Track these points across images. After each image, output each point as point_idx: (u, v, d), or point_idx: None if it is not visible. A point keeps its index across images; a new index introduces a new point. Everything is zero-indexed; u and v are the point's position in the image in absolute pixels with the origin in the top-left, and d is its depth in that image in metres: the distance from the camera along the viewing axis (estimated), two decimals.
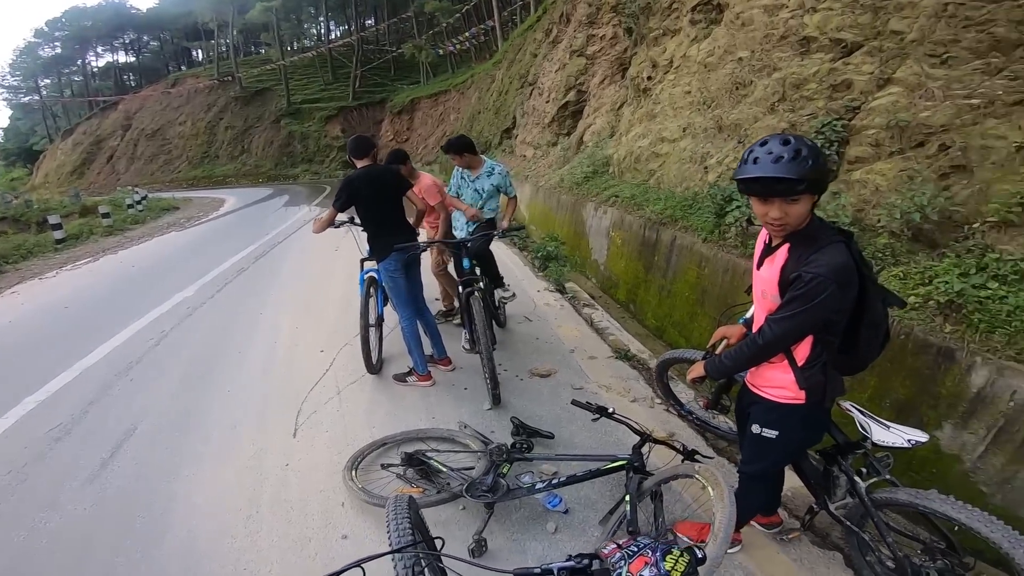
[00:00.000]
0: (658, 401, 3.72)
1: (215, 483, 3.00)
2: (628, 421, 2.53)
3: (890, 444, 1.87)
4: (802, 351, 1.80)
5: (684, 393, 3.54)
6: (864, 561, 2.15)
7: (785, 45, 4.49)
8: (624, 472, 2.40)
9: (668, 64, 6.78)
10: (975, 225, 2.71)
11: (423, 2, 40.39)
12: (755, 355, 1.82)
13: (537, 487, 2.50)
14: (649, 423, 3.38)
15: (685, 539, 2.36)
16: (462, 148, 4.31)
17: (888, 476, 1.96)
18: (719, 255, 4.12)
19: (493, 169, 4.35)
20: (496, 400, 3.62)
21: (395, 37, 50.47)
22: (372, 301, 4.18)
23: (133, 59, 68.45)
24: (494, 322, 4.83)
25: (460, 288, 3.94)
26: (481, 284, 3.93)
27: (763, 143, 1.60)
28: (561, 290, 6.40)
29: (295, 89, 46.75)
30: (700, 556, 1.16)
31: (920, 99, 3.23)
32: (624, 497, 2.27)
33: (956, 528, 1.77)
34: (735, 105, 4.92)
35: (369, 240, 3.90)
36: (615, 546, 1.21)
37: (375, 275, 4.11)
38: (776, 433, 1.92)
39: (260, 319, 5.78)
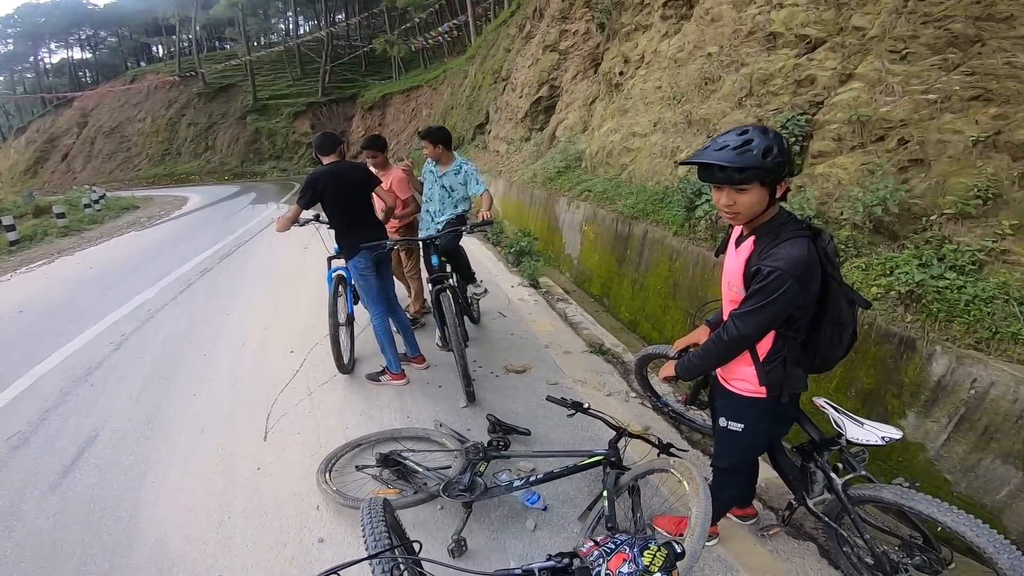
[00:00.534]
0: (633, 395, 3.75)
1: (184, 489, 2.91)
2: (603, 416, 2.53)
3: (864, 442, 1.87)
4: (764, 346, 1.81)
5: (662, 387, 3.57)
6: (841, 552, 2.17)
7: (753, 41, 4.57)
8: (601, 467, 2.41)
9: (639, 59, 6.84)
10: (933, 217, 2.80)
11: None
12: (722, 352, 1.83)
13: (515, 485, 2.48)
14: (624, 417, 3.42)
15: (664, 533, 2.38)
16: (440, 139, 4.23)
17: (864, 472, 1.98)
18: (689, 248, 4.17)
19: (461, 167, 4.29)
20: (470, 397, 3.60)
21: (366, 32, 49.72)
22: (342, 300, 4.09)
23: (89, 55, 65.83)
24: (468, 319, 4.80)
25: (430, 286, 3.89)
26: (452, 281, 3.88)
27: (724, 133, 1.65)
28: (535, 285, 6.41)
29: (262, 85, 45.64)
30: (679, 551, 1.16)
31: (880, 94, 3.32)
32: (602, 493, 2.28)
33: (940, 528, 1.77)
34: (704, 100, 4.98)
35: (338, 238, 3.81)
36: (593, 544, 1.20)
37: (343, 273, 4.03)
38: (741, 426, 1.95)
39: (226, 320, 5.62)
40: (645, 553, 1.12)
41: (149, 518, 2.70)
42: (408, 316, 4.96)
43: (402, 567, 1.37)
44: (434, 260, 3.90)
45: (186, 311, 6.01)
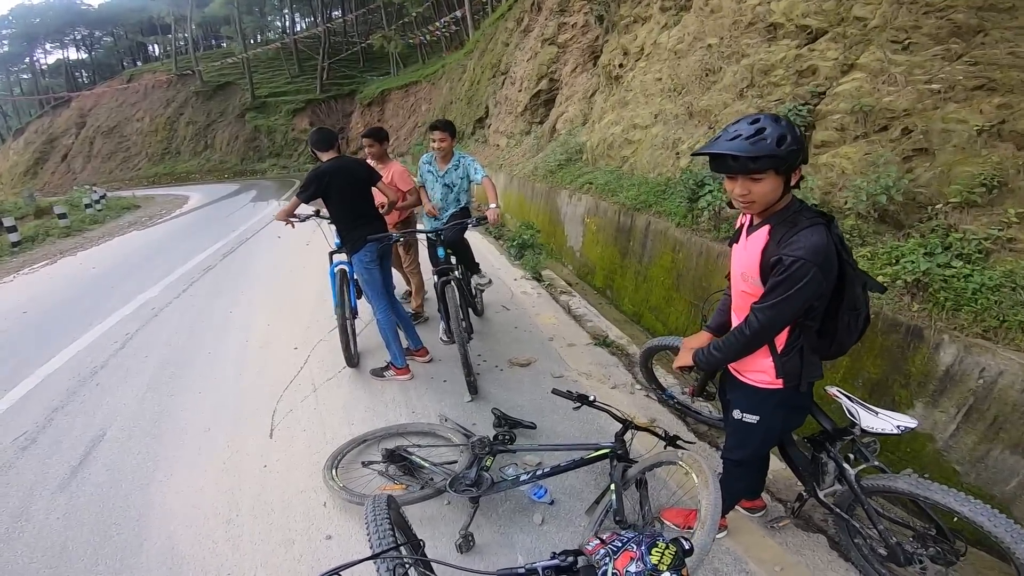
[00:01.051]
0: (638, 387, 3.75)
1: (191, 488, 2.92)
2: (609, 408, 2.53)
3: (879, 431, 1.84)
4: (781, 336, 1.79)
5: (666, 379, 3.57)
6: (852, 543, 2.15)
7: (753, 32, 4.54)
8: (608, 460, 2.41)
9: (639, 51, 6.80)
10: (938, 206, 2.78)
11: None
12: (745, 345, 1.80)
13: (521, 479, 2.49)
14: (630, 410, 3.40)
15: (672, 526, 2.38)
16: (455, 131, 4.20)
17: (876, 462, 1.95)
18: (693, 239, 4.16)
19: (459, 161, 4.27)
20: (472, 388, 3.60)
21: (363, 28, 49.38)
22: (347, 294, 4.12)
23: (85, 55, 65.60)
24: (472, 311, 4.80)
25: (435, 278, 3.88)
26: (457, 273, 3.88)
27: (736, 122, 1.62)
28: (538, 278, 6.40)
29: (260, 83, 45.42)
30: (687, 547, 1.12)
31: (883, 84, 3.30)
32: (609, 486, 2.28)
33: (956, 519, 1.75)
34: (705, 91, 4.95)
35: (342, 233, 3.82)
36: (599, 542, 1.17)
37: (345, 268, 4.05)
38: (757, 418, 1.92)
39: (230, 318, 5.62)
40: (653, 551, 1.09)
41: (158, 517, 2.71)
42: (410, 311, 4.98)
43: (406, 566, 1.36)
44: (440, 252, 3.90)
45: (190, 309, 6.02)
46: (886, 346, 2.64)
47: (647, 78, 6.21)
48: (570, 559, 1.17)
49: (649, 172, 5.45)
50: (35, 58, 61.82)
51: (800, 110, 3.69)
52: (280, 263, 8.03)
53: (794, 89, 3.93)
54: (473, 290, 4.62)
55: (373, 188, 3.85)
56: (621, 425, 2.47)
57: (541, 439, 3.13)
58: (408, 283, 5.22)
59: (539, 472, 2.49)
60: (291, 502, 2.75)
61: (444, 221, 4.28)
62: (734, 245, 1.93)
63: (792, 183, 1.64)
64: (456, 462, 2.71)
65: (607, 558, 1.12)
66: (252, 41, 54.46)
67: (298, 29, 56.24)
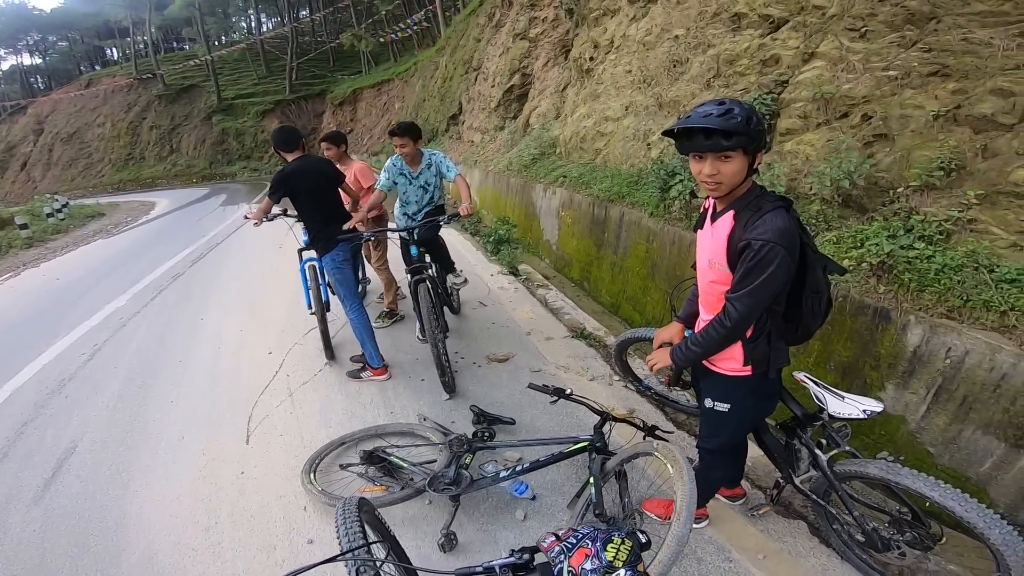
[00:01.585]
0: (616, 378, 3.77)
1: (168, 497, 2.87)
2: (587, 401, 2.54)
3: (846, 415, 1.85)
4: None
5: (642, 369, 3.60)
6: (831, 529, 2.17)
7: (718, 22, 4.59)
8: (587, 453, 2.41)
9: (609, 44, 6.82)
10: (899, 189, 2.85)
11: None
12: (726, 337, 1.78)
13: (501, 475, 2.47)
14: (609, 401, 3.44)
15: (653, 517, 2.39)
16: (419, 135, 4.03)
17: (847, 448, 1.96)
18: (665, 229, 4.19)
19: (430, 160, 4.21)
20: (447, 388, 3.58)
21: (332, 27, 48.51)
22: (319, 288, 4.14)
23: (40, 61, 63.21)
24: (448, 309, 4.77)
25: (409, 276, 3.84)
26: (431, 271, 3.85)
27: (702, 104, 1.63)
28: (515, 272, 6.40)
29: (226, 84, 44.31)
30: (644, 541, 1.12)
31: (842, 72, 3.36)
32: (588, 479, 2.28)
33: (928, 504, 1.74)
34: (673, 82, 5.00)
35: (312, 232, 3.78)
36: (554, 538, 1.16)
37: (315, 263, 4.04)
38: (728, 406, 1.93)
39: (201, 325, 5.49)
40: (608, 547, 1.09)
41: (135, 527, 2.66)
42: (384, 309, 4.95)
43: (376, 566, 1.33)
44: (413, 251, 3.85)
45: (159, 317, 5.86)
46: (855, 329, 2.70)
47: (617, 70, 6.23)
48: (526, 556, 1.16)
49: (622, 164, 5.48)
50: None
51: (765, 99, 3.75)
52: (251, 268, 7.86)
53: (759, 78, 3.99)
54: (449, 289, 4.58)
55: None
56: (599, 417, 2.48)
57: (521, 434, 3.13)
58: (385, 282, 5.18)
59: (519, 468, 2.48)
60: (271, 507, 2.70)
61: (418, 219, 4.24)
62: (699, 231, 1.94)
63: (755, 166, 1.67)
64: (435, 461, 2.69)
65: (562, 555, 1.11)
66: (216, 43, 53.06)
67: (264, 30, 54.97)
